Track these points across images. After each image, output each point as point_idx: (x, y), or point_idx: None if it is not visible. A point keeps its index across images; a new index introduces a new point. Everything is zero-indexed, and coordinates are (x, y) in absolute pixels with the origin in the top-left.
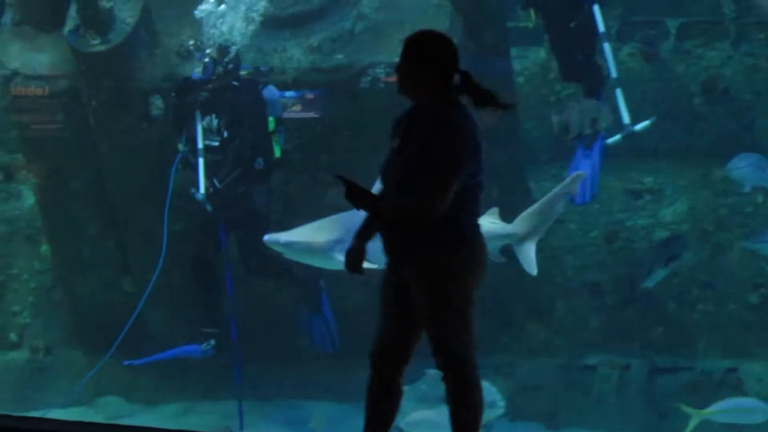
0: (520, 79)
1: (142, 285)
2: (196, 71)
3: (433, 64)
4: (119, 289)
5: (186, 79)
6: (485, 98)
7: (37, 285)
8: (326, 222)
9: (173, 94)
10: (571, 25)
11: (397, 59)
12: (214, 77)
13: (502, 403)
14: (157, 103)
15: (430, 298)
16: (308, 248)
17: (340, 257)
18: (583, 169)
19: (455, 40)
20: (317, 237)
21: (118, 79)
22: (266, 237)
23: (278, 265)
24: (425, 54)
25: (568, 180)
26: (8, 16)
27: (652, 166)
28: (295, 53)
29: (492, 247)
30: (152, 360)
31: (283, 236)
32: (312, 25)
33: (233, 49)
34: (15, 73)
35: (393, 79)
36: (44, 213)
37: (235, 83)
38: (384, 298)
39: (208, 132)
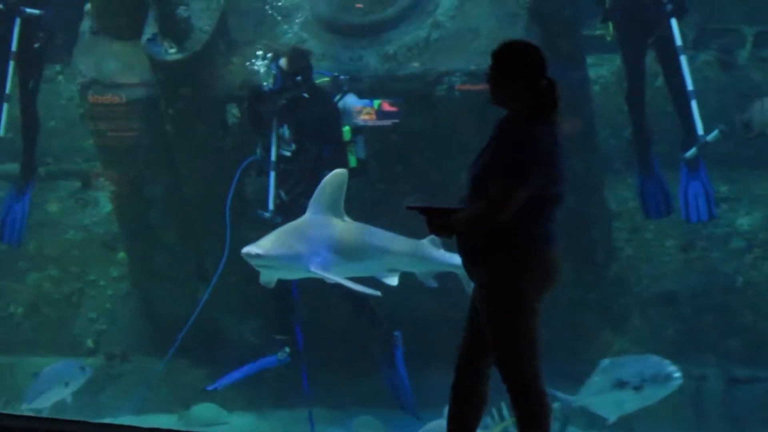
0: (596, 88)
1: (218, 292)
2: (267, 82)
3: (520, 73)
4: (195, 296)
5: (257, 88)
6: (550, 114)
7: (113, 292)
8: (289, 232)
9: (246, 104)
10: (650, 39)
11: (472, 67)
12: (285, 87)
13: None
14: (234, 111)
15: (488, 304)
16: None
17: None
18: (692, 190)
19: None
20: (293, 248)
21: (195, 87)
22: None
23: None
24: (511, 64)
25: None
26: (86, 25)
27: (728, 175)
28: (370, 61)
29: (428, 272)
30: (233, 380)
31: (255, 249)
32: (388, 34)
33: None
34: (93, 82)
35: (469, 87)
36: (121, 220)
37: (305, 94)
38: (469, 309)
39: (281, 142)
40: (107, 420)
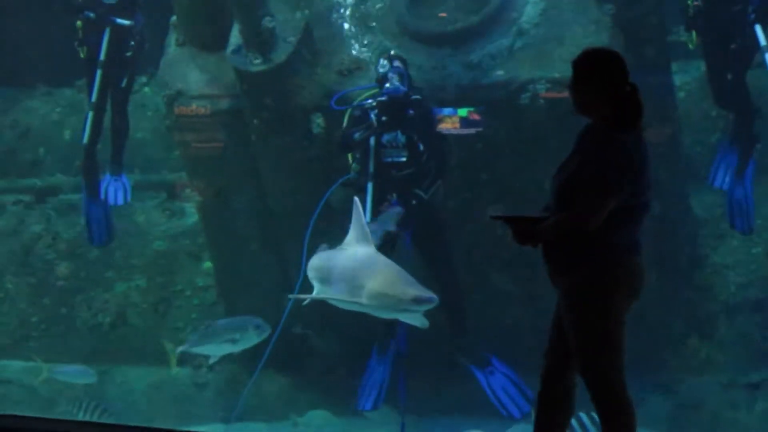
0: (681, 94)
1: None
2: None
3: (602, 80)
4: (279, 306)
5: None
6: (635, 121)
7: (199, 301)
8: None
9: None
10: (732, 46)
11: (557, 75)
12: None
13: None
14: (318, 121)
15: (573, 314)
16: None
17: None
18: (737, 197)
19: None
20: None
21: (279, 97)
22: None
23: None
24: (592, 71)
25: None
26: (172, 37)
27: None
28: (455, 70)
29: None
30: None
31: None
32: (472, 42)
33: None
34: (179, 93)
35: (553, 94)
36: (207, 230)
37: (417, 97)
38: (553, 318)
39: (391, 149)
40: (194, 428)
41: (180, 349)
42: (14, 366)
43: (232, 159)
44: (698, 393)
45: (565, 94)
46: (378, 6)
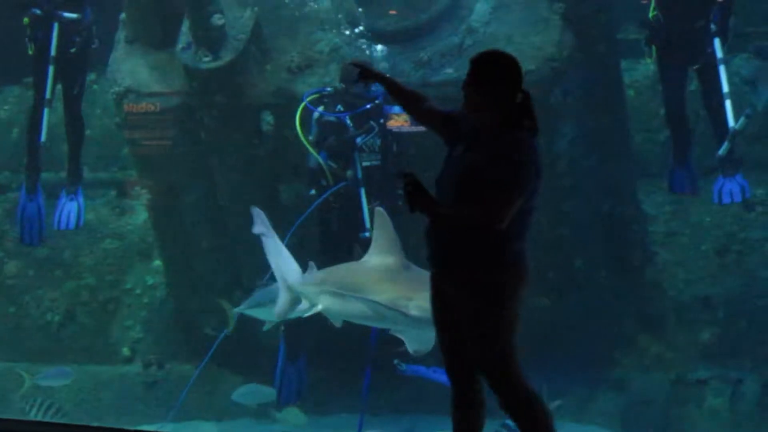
0: (631, 92)
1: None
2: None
3: (498, 84)
4: (231, 303)
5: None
6: (533, 123)
7: (149, 300)
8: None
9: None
10: (696, 66)
11: None
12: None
13: None
14: (268, 119)
15: (472, 313)
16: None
17: None
18: (728, 187)
19: (565, 53)
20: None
21: (229, 95)
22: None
23: None
24: (490, 73)
25: None
26: (122, 34)
27: (764, 178)
28: (404, 68)
29: None
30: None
31: None
32: (421, 40)
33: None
34: (128, 90)
35: None
36: (157, 228)
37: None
38: (434, 313)
39: (368, 153)
40: (144, 427)
41: (237, 309)
42: None
43: (182, 157)
44: (649, 389)
45: None
46: (328, 3)
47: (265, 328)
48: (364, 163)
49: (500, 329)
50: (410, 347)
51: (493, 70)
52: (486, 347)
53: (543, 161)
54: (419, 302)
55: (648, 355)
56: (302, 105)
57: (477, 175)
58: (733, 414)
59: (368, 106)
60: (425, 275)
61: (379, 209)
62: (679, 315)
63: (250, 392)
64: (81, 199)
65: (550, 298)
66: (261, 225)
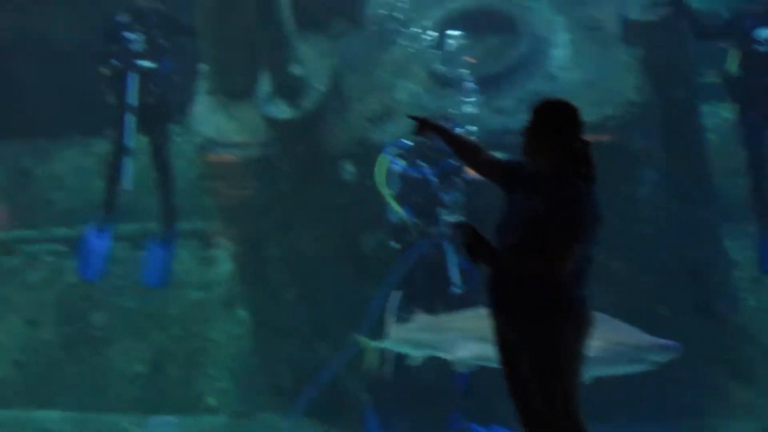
0: (711, 136)
1: (337, 348)
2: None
3: (557, 132)
4: (315, 353)
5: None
6: (591, 171)
7: (234, 350)
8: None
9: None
10: None
11: (586, 118)
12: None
13: None
14: (349, 168)
15: (538, 363)
16: None
17: None
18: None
19: (644, 97)
20: None
21: (309, 144)
22: None
23: None
24: (549, 121)
25: None
26: (202, 86)
27: None
28: (483, 115)
29: None
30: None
31: None
32: (500, 87)
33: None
34: (209, 141)
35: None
36: (241, 278)
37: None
38: (499, 362)
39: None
40: None
41: (378, 344)
42: (53, 416)
43: (263, 207)
44: None
45: (595, 137)
46: (407, 52)
47: (412, 362)
48: (448, 219)
49: (561, 372)
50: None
51: (553, 118)
52: (548, 393)
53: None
54: (602, 338)
55: (737, 402)
56: (381, 159)
57: (536, 222)
58: None
59: (452, 161)
60: (597, 317)
61: None
62: None
63: None
64: (172, 250)
65: None
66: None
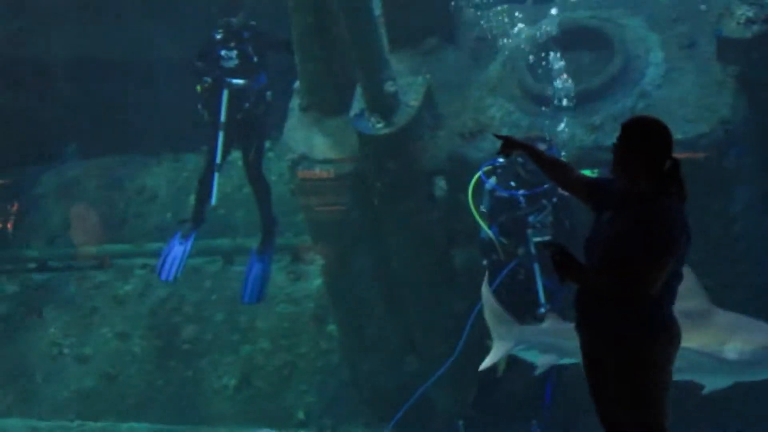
0: None
1: (426, 363)
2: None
3: (647, 150)
4: (404, 368)
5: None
6: (682, 190)
7: (323, 364)
8: None
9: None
10: None
11: (680, 136)
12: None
13: None
14: (441, 184)
15: (627, 382)
16: None
17: None
18: None
19: (740, 116)
20: None
21: (402, 160)
22: None
23: None
24: (640, 139)
25: None
26: (296, 102)
27: None
28: (577, 132)
29: None
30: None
31: None
32: (594, 104)
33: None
34: (302, 157)
35: (676, 155)
36: (331, 293)
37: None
38: (587, 378)
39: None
40: None
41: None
42: (141, 428)
43: (355, 222)
44: None
45: (687, 154)
46: (501, 70)
47: (537, 372)
48: (536, 239)
49: (651, 391)
50: (712, 388)
51: (644, 136)
52: (637, 410)
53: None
54: (736, 344)
55: None
56: (476, 176)
57: (626, 241)
58: None
59: (545, 186)
60: (736, 318)
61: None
62: None
63: None
64: (268, 262)
65: None
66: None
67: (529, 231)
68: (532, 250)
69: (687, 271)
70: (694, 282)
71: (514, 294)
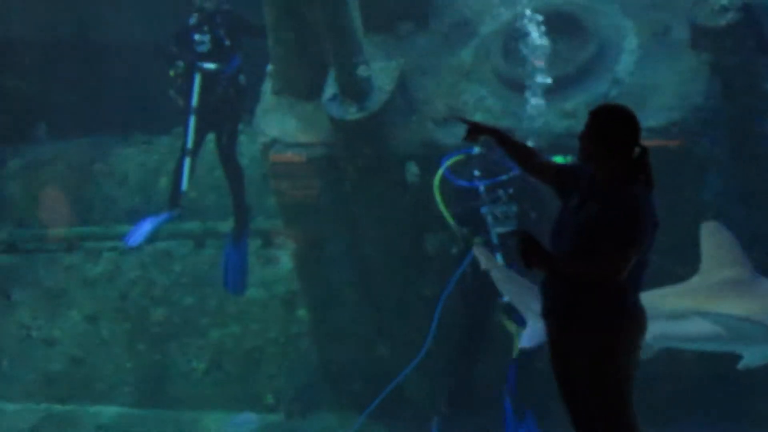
0: None
1: (398, 348)
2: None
3: (615, 137)
4: (374, 353)
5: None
6: (649, 178)
7: (293, 349)
8: None
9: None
10: None
11: (653, 123)
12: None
13: None
14: (413, 170)
15: (594, 369)
16: None
17: None
18: None
19: (712, 103)
20: None
21: (374, 145)
22: None
23: None
24: (607, 126)
25: None
26: (268, 85)
27: None
28: (549, 118)
29: None
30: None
31: None
32: (567, 90)
33: None
34: (274, 141)
35: (649, 143)
36: (302, 277)
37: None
38: (552, 365)
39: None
40: None
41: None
42: (109, 411)
43: (327, 207)
44: None
45: (660, 141)
46: (474, 55)
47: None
48: (499, 230)
49: (617, 379)
50: (750, 362)
51: (611, 124)
52: (602, 395)
53: (684, 212)
54: None
55: None
56: (440, 172)
57: (593, 228)
58: None
59: (504, 177)
60: None
61: (712, 224)
62: None
63: None
64: (245, 248)
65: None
66: (486, 260)
67: (490, 221)
68: (494, 240)
69: (730, 240)
70: (737, 251)
71: (477, 283)
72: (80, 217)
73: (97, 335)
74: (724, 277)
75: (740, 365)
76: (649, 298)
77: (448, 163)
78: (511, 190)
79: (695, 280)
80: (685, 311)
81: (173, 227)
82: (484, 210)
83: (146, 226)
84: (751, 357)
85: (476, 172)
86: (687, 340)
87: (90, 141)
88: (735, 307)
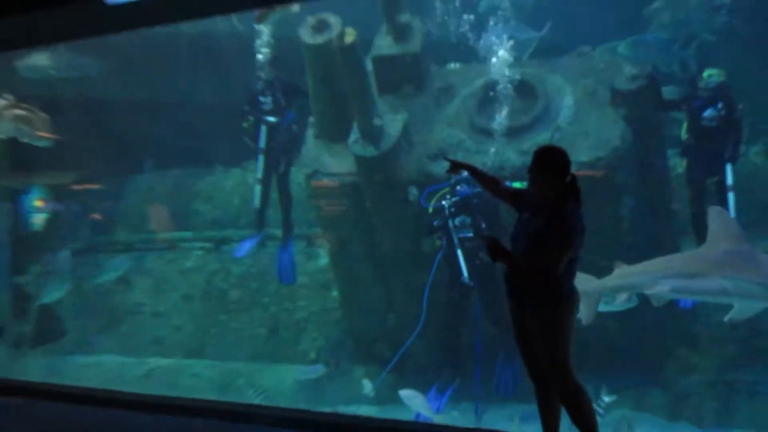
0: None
1: (403, 319)
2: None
3: (553, 169)
4: (386, 323)
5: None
6: (578, 198)
7: (329, 319)
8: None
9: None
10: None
11: (583, 158)
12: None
13: None
14: (413, 192)
15: (543, 335)
16: None
17: None
18: None
19: (626, 145)
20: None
21: (385, 175)
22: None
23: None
24: (548, 161)
25: None
26: (310, 132)
27: None
28: (510, 156)
29: None
30: None
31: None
32: (523, 135)
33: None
34: (315, 171)
35: (580, 173)
36: (334, 268)
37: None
38: (514, 336)
39: (461, 228)
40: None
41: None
42: (200, 364)
43: (352, 218)
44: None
45: (590, 172)
46: (456, 109)
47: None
48: (460, 235)
49: (560, 341)
50: (737, 315)
51: (550, 159)
52: (550, 353)
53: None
54: None
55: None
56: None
57: (540, 235)
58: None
59: (475, 201)
60: None
61: (717, 208)
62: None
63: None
64: (292, 251)
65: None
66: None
67: (452, 228)
68: (455, 241)
69: (732, 222)
70: (737, 229)
71: (449, 270)
72: (177, 225)
73: (191, 310)
74: (726, 249)
75: (726, 318)
76: (667, 261)
77: (430, 192)
78: (453, 209)
79: (702, 250)
80: (696, 272)
81: (244, 233)
82: (435, 224)
83: (246, 245)
84: (739, 311)
85: (447, 196)
86: (698, 293)
87: (183, 171)
88: (743, 271)
